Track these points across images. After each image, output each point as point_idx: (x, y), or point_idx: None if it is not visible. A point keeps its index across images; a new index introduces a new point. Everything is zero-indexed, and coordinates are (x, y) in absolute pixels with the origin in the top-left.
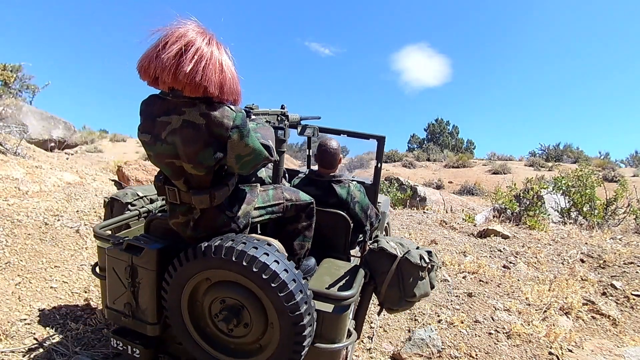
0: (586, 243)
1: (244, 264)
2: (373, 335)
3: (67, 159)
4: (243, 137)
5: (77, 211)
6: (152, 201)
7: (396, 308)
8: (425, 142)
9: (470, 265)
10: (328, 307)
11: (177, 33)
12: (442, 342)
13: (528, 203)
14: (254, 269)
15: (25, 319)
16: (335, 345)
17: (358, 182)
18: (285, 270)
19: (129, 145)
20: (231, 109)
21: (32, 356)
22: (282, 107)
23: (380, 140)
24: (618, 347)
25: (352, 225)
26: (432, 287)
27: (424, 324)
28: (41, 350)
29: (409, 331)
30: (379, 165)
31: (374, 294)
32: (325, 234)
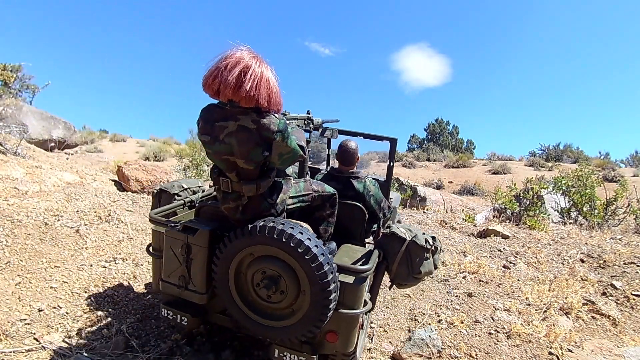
0: (586, 243)
1: (283, 240)
2: (373, 335)
3: (67, 159)
4: (285, 139)
5: (77, 211)
6: (194, 192)
7: (405, 283)
8: (425, 142)
9: (470, 265)
10: (349, 279)
11: (235, 57)
12: (442, 342)
13: (528, 203)
14: (292, 244)
15: (25, 319)
16: (355, 311)
17: (373, 178)
18: (316, 246)
19: (129, 145)
20: (275, 116)
21: (32, 356)
22: (308, 112)
23: (393, 142)
24: (618, 347)
25: (367, 215)
26: (436, 267)
27: (424, 324)
28: (41, 350)
29: (409, 331)
30: (391, 164)
31: (386, 273)
32: (344, 223)
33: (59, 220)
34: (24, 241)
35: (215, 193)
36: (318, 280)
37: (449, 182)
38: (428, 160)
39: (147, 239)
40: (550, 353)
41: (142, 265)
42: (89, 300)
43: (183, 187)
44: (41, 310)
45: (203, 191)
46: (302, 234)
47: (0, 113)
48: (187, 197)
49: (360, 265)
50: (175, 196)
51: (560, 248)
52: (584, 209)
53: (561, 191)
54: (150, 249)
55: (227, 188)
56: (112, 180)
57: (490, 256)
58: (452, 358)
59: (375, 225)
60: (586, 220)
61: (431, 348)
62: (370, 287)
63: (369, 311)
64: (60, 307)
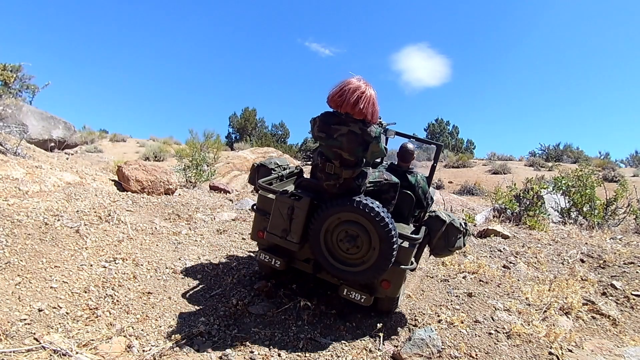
0: (586, 243)
1: (366, 210)
2: (374, 335)
3: (67, 159)
4: (378, 142)
5: (77, 211)
6: (284, 169)
7: (440, 254)
8: None
9: (470, 265)
10: (405, 244)
11: (354, 84)
12: (442, 342)
13: (528, 203)
14: (371, 213)
15: (25, 319)
16: (407, 267)
17: None
18: (387, 216)
19: (129, 145)
20: (375, 127)
21: (32, 356)
22: (379, 118)
23: (438, 147)
24: (618, 347)
25: (415, 202)
26: (464, 244)
27: (424, 324)
28: (41, 350)
29: (409, 331)
30: (434, 164)
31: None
32: (396, 206)
33: (59, 220)
34: (24, 241)
35: (296, 172)
36: (386, 239)
37: (449, 182)
38: (428, 160)
39: (147, 239)
40: (550, 353)
41: (142, 265)
42: (89, 300)
43: (277, 164)
44: (41, 310)
45: (290, 169)
46: (378, 207)
47: (0, 113)
48: (279, 173)
49: (413, 234)
50: (272, 170)
51: (560, 248)
52: (584, 209)
53: (561, 191)
54: (255, 207)
55: (330, 170)
56: (112, 180)
57: (490, 256)
58: (452, 358)
59: (418, 211)
60: (586, 220)
61: (431, 348)
62: (415, 252)
63: (413, 270)
64: (60, 307)
